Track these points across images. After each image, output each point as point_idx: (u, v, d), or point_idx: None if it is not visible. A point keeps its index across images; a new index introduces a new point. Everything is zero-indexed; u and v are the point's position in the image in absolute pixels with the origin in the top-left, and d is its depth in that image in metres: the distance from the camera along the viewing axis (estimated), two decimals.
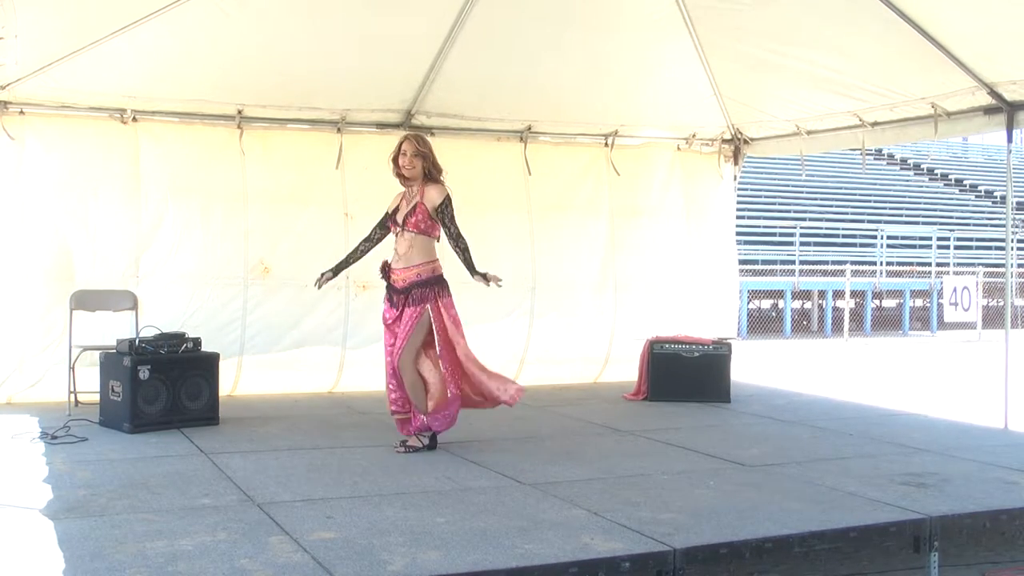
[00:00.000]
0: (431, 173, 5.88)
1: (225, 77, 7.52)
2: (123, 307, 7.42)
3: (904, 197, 28.07)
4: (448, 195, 5.86)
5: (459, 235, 5.91)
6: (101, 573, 3.57)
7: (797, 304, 20.06)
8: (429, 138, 8.28)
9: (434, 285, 5.85)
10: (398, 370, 5.84)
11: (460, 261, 5.96)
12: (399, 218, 5.88)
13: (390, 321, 5.91)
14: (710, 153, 9.66)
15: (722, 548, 4.07)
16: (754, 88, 8.56)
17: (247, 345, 8.03)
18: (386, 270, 5.94)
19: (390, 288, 5.92)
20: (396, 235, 5.91)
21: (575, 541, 4.05)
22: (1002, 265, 21.13)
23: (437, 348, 5.92)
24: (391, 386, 5.98)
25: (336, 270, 6.13)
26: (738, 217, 10.62)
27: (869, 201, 26.38)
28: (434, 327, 5.86)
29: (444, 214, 5.85)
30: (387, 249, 6.08)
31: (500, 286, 5.92)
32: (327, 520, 4.33)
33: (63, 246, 7.51)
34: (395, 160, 5.91)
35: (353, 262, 6.17)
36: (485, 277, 5.91)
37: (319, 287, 6.17)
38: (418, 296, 5.80)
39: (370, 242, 6.12)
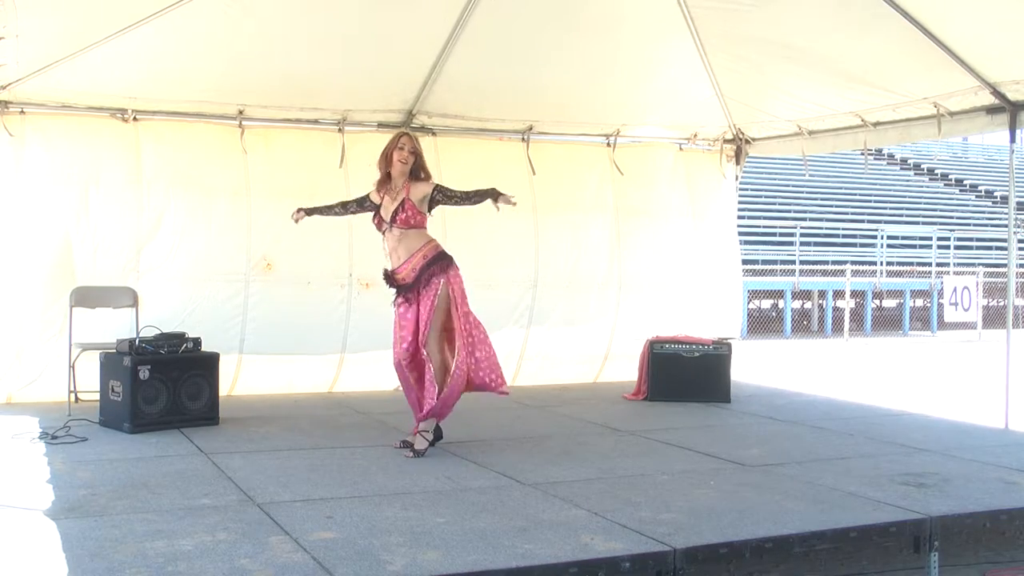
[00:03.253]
0: (418, 173, 5.93)
1: (226, 78, 7.52)
2: (123, 304, 7.42)
3: (904, 197, 28.05)
4: (439, 184, 5.96)
5: (464, 194, 5.93)
6: (101, 573, 3.57)
7: (797, 304, 20.06)
8: (431, 138, 8.45)
9: (441, 260, 5.86)
10: (426, 361, 5.75)
11: (479, 202, 5.93)
12: (387, 216, 5.90)
13: (409, 316, 5.84)
14: (712, 153, 9.66)
15: (722, 548, 4.07)
16: (755, 88, 8.55)
17: (247, 341, 8.03)
18: (390, 277, 5.92)
19: (400, 288, 5.88)
20: (384, 234, 5.94)
21: (575, 541, 4.05)
22: (1002, 265, 21.12)
23: (455, 322, 5.86)
24: (404, 382, 5.95)
25: (309, 211, 6.20)
26: (738, 217, 10.62)
27: (869, 201, 26.37)
28: (452, 299, 5.85)
29: (441, 192, 5.90)
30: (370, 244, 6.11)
31: (514, 203, 5.84)
32: (327, 520, 4.33)
33: (64, 244, 7.51)
34: (389, 154, 5.91)
35: (325, 213, 6.27)
36: (496, 198, 5.83)
37: (295, 220, 6.22)
38: (431, 275, 5.80)
39: (345, 209, 6.21)
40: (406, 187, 5.90)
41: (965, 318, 18.14)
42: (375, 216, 6.00)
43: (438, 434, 5.98)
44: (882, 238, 22.01)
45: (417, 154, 5.93)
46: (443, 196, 5.92)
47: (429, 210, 5.95)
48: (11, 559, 3.78)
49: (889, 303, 20.93)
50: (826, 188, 26.77)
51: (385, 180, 5.98)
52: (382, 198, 5.98)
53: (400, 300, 5.90)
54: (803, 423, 7.34)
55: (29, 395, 7.40)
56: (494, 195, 5.80)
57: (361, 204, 6.14)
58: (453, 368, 5.83)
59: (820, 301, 19.85)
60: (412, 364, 5.89)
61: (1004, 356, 7.53)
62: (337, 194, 8.10)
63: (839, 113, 8.28)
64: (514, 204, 5.83)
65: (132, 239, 7.71)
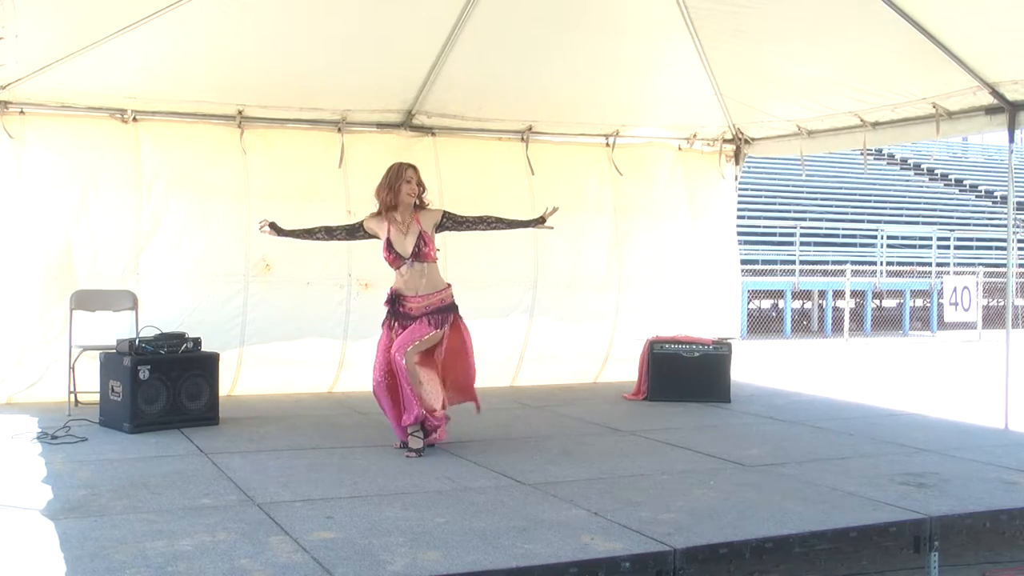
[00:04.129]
0: (420, 202, 5.96)
1: (225, 77, 7.52)
2: (123, 307, 7.42)
3: (904, 197, 28.06)
4: (446, 210, 5.99)
5: (477, 219, 5.98)
6: (101, 573, 3.57)
7: (797, 304, 20.06)
8: (430, 138, 8.45)
9: (454, 310, 5.95)
10: (401, 364, 5.74)
11: (508, 228, 6.07)
12: (404, 253, 5.83)
13: (393, 336, 5.87)
14: (711, 153, 9.66)
15: (722, 548, 4.07)
16: (755, 88, 8.56)
17: (247, 342, 8.03)
18: (399, 300, 5.88)
19: (399, 315, 5.87)
20: (402, 268, 5.86)
21: (575, 541, 4.05)
22: (1002, 265, 21.14)
23: (441, 360, 5.96)
24: (380, 395, 5.98)
25: (280, 231, 6.07)
26: (738, 217, 10.62)
27: (869, 201, 26.38)
28: (446, 344, 5.91)
29: (450, 219, 5.93)
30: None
31: (556, 209, 5.91)
32: (327, 520, 4.33)
33: (63, 245, 7.51)
34: (396, 187, 5.83)
35: (302, 237, 6.16)
36: (543, 219, 5.94)
37: (260, 229, 6.11)
38: (439, 319, 5.86)
39: (330, 235, 6.13)
40: (415, 218, 5.87)
41: (965, 318, 18.13)
42: (388, 252, 5.87)
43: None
44: (882, 238, 22.01)
45: (423, 187, 5.94)
46: (452, 223, 5.93)
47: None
48: (11, 559, 3.78)
49: (889, 303, 20.93)
50: (826, 188, 26.77)
51: (386, 211, 5.88)
52: (388, 230, 5.88)
53: (396, 325, 5.89)
54: (803, 423, 7.34)
55: (29, 397, 7.40)
56: (537, 223, 5.92)
57: (352, 233, 6.08)
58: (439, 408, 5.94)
59: (820, 301, 19.85)
60: (390, 385, 5.90)
61: (1004, 356, 7.53)
62: (336, 194, 8.22)
63: (838, 113, 8.28)
64: (554, 210, 5.91)
65: (132, 241, 7.71)
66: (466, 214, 6.03)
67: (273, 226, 6.06)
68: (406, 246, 5.84)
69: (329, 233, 6.13)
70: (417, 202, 5.92)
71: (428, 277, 5.86)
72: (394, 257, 5.87)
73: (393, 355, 5.81)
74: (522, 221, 6.10)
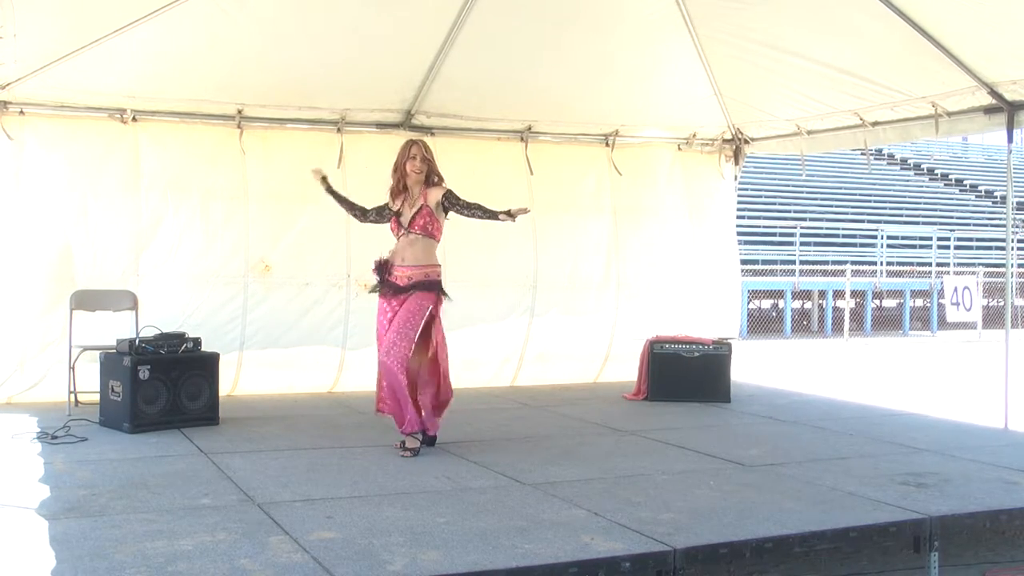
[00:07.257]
0: (431, 178, 5.97)
1: (225, 77, 7.52)
2: (123, 307, 7.42)
3: (904, 197, 28.06)
4: (449, 188, 5.95)
5: (470, 204, 5.90)
6: (101, 573, 3.57)
7: (797, 304, 20.07)
8: (429, 138, 8.38)
9: (438, 290, 5.93)
10: (398, 365, 5.76)
11: (483, 219, 5.89)
12: (403, 220, 5.94)
13: (390, 316, 5.88)
14: (711, 153, 9.66)
15: (722, 548, 4.07)
16: (754, 88, 8.56)
17: (247, 343, 8.03)
18: (385, 268, 5.94)
19: (388, 286, 5.92)
20: (399, 237, 5.96)
21: (575, 541, 4.05)
22: (1002, 265, 21.13)
23: (431, 349, 5.96)
24: (383, 384, 5.96)
25: (334, 192, 6.18)
26: (738, 217, 10.62)
27: (869, 201, 26.38)
28: (433, 327, 5.91)
29: (451, 198, 5.89)
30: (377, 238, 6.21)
31: (527, 211, 5.80)
32: (327, 520, 4.33)
33: (63, 246, 7.51)
34: (401, 166, 5.95)
35: (345, 205, 6.23)
36: (509, 213, 5.76)
37: (316, 176, 6.16)
38: (424, 295, 5.85)
39: (366, 216, 6.20)
40: (423, 193, 5.94)
41: (965, 318, 18.14)
42: (394, 222, 6.01)
43: (429, 440, 6.01)
44: (882, 238, 22.01)
45: (430, 161, 5.96)
46: (449, 203, 5.91)
47: (445, 214, 5.99)
48: (11, 559, 3.78)
49: (889, 303, 20.94)
50: (826, 188, 26.77)
51: (400, 190, 6.01)
52: (400, 205, 6.01)
53: (390, 296, 5.91)
54: (803, 423, 7.34)
55: (30, 397, 7.39)
56: (509, 214, 5.74)
57: (380, 213, 6.15)
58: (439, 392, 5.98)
59: (820, 301, 19.86)
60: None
61: (1004, 356, 7.53)
62: None
63: (838, 112, 8.28)
64: (527, 211, 5.80)
65: (131, 241, 7.71)
66: (464, 198, 5.93)
67: (324, 179, 6.14)
68: (408, 216, 5.92)
69: (364, 214, 6.20)
70: (436, 179, 5.96)
71: (417, 249, 5.88)
72: (396, 226, 5.98)
73: (388, 365, 5.77)
74: (495, 212, 5.84)
